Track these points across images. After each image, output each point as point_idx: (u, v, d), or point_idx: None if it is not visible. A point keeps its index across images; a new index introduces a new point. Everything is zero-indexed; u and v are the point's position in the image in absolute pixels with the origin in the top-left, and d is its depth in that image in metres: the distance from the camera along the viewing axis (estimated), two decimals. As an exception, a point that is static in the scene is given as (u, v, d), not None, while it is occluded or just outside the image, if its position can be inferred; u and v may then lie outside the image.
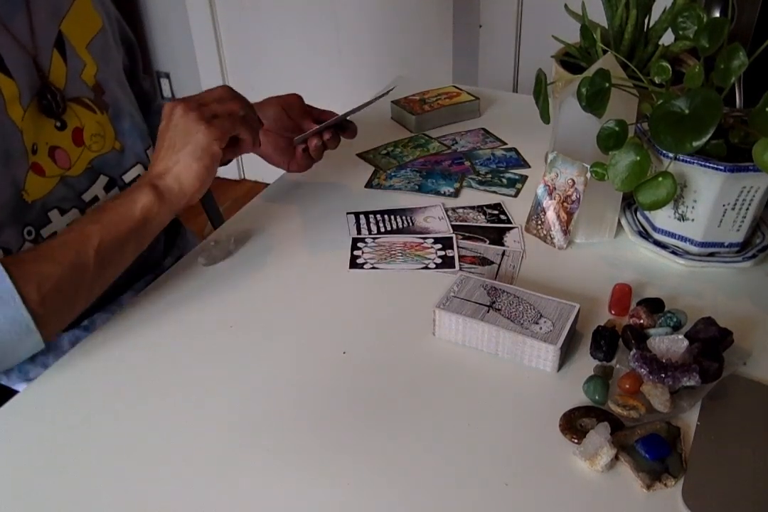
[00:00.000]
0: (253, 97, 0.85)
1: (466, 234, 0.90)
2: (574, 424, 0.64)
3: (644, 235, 0.87)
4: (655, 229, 0.85)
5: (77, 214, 0.85)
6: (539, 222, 0.89)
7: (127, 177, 0.92)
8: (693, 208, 0.80)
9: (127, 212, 0.75)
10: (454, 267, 0.84)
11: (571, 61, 0.97)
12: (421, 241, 0.89)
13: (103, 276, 0.75)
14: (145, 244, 0.79)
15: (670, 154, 0.76)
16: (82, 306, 0.75)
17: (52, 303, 0.70)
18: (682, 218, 0.81)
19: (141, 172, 0.94)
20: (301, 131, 0.97)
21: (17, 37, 0.77)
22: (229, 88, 0.81)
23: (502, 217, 0.94)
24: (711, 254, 0.84)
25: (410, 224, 0.93)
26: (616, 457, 0.60)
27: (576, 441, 0.62)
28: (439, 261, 0.86)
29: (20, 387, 0.87)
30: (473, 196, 0.99)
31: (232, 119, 0.77)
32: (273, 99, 0.99)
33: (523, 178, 1.02)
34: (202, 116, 0.76)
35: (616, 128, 0.75)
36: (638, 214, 0.90)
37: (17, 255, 0.75)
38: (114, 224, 0.74)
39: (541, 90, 0.85)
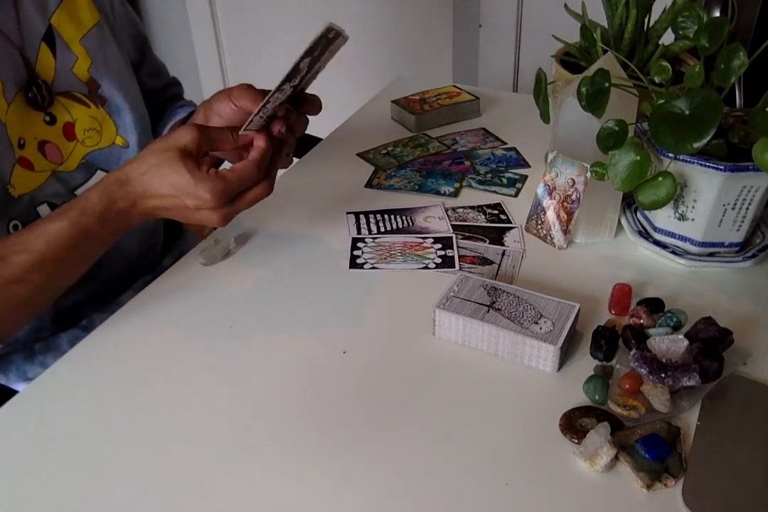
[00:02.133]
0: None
1: (466, 234, 0.90)
2: (574, 424, 0.64)
3: (644, 234, 0.87)
4: (655, 228, 0.85)
5: None
6: (539, 222, 0.89)
7: None
8: (693, 207, 0.80)
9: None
10: (454, 267, 0.84)
11: (571, 60, 0.97)
12: (421, 240, 0.89)
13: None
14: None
15: (670, 154, 0.76)
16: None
17: None
18: (682, 218, 0.81)
19: None
20: None
21: (2, 29, 0.76)
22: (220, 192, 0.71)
23: (502, 216, 0.94)
24: (711, 254, 0.83)
25: (410, 224, 0.93)
26: (616, 457, 0.60)
27: (576, 441, 0.62)
28: (439, 261, 0.86)
29: (19, 387, 0.87)
30: (473, 196, 0.99)
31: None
32: (222, 93, 0.82)
33: (523, 178, 1.02)
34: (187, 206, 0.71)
35: (616, 128, 0.75)
36: (638, 213, 0.90)
37: None
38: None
39: (541, 90, 0.85)
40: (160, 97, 1.04)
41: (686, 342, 0.67)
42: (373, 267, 0.85)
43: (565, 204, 0.86)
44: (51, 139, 0.81)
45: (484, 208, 0.96)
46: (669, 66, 0.75)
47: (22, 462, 0.63)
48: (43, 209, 0.82)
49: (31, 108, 0.79)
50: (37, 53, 0.80)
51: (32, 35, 0.79)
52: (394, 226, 0.93)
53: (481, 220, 0.93)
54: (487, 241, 0.89)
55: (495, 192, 0.99)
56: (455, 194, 0.99)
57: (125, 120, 0.90)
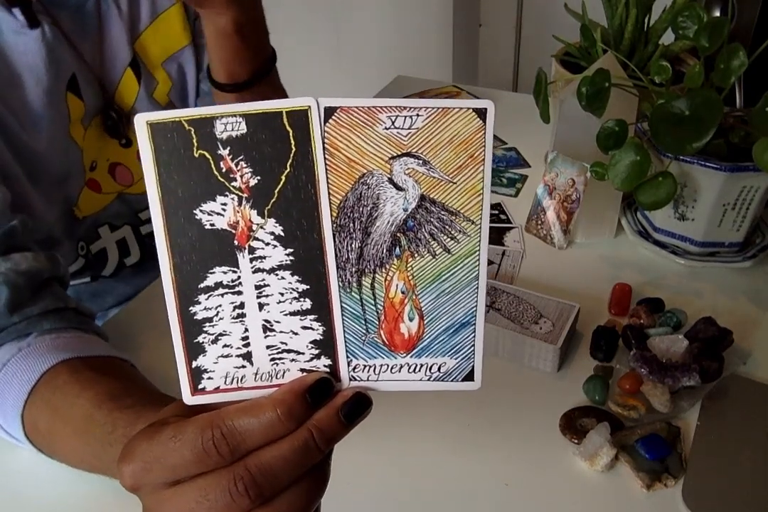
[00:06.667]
0: (253, 96, 0.85)
1: (466, 234, 0.90)
2: (574, 424, 0.64)
3: (644, 234, 0.87)
4: (655, 228, 0.85)
5: (128, 231, 0.84)
6: (539, 222, 0.89)
7: None
8: (693, 207, 0.80)
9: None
10: (454, 267, 0.84)
11: (571, 60, 0.97)
12: (421, 240, 0.89)
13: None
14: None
15: (670, 154, 0.76)
16: None
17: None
18: (682, 218, 0.81)
19: None
20: None
21: (86, 58, 0.75)
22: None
23: (502, 216, 0.94)
24: (711, 254, 0.83)
25: (410, 224, 0.93)
26: (616, 457, 0.60)
27: (576, 441, 0.62)
28: (439, 261, 0.86)
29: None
30: (473, 196, 0.98)
31: None
32: None
33: (523, 178, 1.02)
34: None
35: (616, 128, 0.75)
36: (638, 213, 0.90)
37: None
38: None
39: (541, 89, 0.85)
40: None
41: (686, 342, 0.67)
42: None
43: (565, 204, 0.86)
44: (124, 162, 0.81)
45: (484, 207, 0.96)
46: (669, 66, 0.75)
47: (23, 462, 0.63)
48: (104, 230, 0.81)
49: (108, 135, 0.78)
50: (120, 79, 0.79)
51: (116, 62, 0.78)
52: (394, 226, 0.92)
53: (481, 220, 0.93)
54: (487, 241, 0.89)
55: (495, 192, 0.99)
56: (455, 194, 0.99)
57: None
